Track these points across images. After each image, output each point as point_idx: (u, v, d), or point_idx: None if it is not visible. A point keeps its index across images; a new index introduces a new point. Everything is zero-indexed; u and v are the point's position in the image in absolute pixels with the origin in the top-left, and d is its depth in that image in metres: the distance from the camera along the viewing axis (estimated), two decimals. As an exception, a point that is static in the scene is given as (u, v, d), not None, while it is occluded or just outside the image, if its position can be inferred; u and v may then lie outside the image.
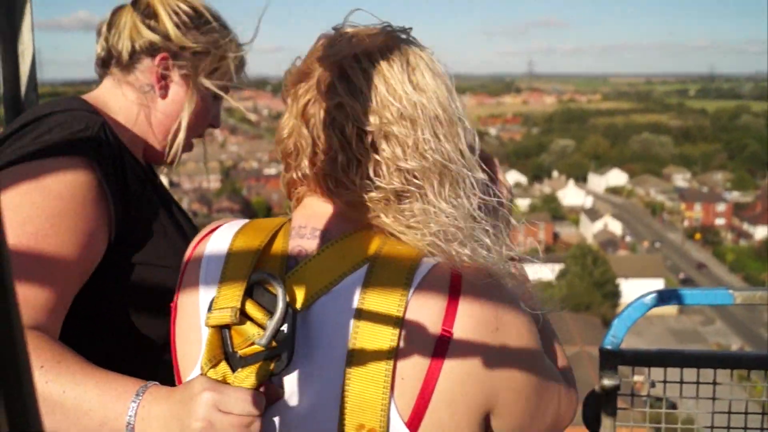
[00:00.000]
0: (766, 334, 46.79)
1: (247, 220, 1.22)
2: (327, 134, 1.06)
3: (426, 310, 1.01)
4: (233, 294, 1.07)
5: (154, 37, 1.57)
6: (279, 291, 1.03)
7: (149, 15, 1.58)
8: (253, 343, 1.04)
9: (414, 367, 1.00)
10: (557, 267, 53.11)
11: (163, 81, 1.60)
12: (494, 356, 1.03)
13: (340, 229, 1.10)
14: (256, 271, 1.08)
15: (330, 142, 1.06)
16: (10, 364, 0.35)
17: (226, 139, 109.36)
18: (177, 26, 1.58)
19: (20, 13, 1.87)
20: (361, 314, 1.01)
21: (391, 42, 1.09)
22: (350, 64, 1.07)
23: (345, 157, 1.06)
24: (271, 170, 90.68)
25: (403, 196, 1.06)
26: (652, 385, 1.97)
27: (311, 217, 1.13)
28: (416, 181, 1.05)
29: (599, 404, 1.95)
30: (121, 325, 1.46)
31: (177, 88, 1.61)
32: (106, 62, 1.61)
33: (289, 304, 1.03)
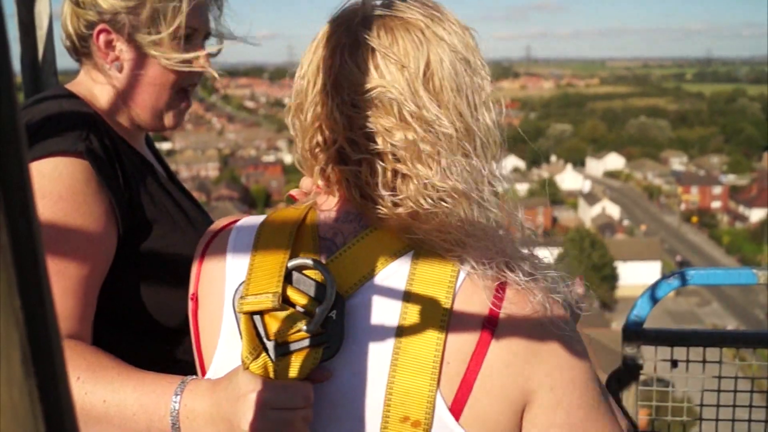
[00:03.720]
0: (761, 315, 46.96)
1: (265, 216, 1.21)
2: (331, 97, 1.04)
3: (476, 295, 1.00)
4: (270, 279, 1.03)
5: (88, 14, 1.47)
6: (327, 277, 1.01)
7: None
8: (298, 331, 1.00)
9: (460, 351, 0.98)
10: (555, 251, 52.91)
11: (112, 54, 1.49)
12: (538, 348, 1.00)
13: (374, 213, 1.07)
14: (295, 257, 1.05)
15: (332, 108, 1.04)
16: (47, 364, 0.34)
17: (224, 127, 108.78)
18: None
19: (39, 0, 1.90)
20: (409, 299, 1.00)
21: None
22: (357, 28, 1.06)
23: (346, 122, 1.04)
24: (269, 158, 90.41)
25: (399, 165, 1.03)
26: (674, 364, 1.97)
27: (343, 200, 1.11)
28: (407, 148, 1.02)
29: (622, 382, 1.93)
30: (136, 316, 1.45)
31: (128, 57, 1.49)
32: (71, 51, 1.55)
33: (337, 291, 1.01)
